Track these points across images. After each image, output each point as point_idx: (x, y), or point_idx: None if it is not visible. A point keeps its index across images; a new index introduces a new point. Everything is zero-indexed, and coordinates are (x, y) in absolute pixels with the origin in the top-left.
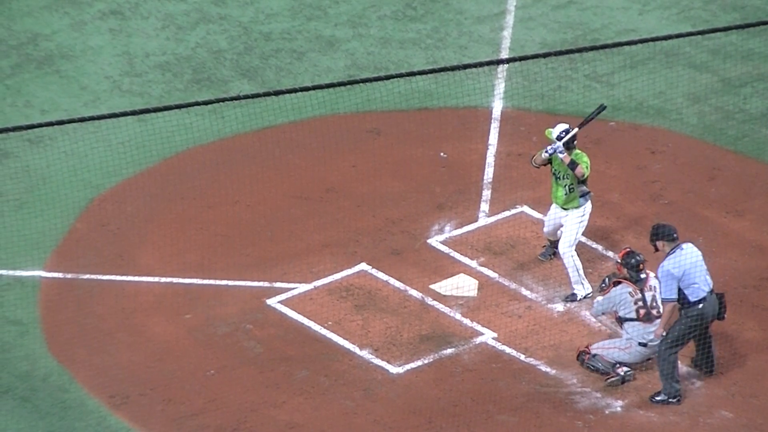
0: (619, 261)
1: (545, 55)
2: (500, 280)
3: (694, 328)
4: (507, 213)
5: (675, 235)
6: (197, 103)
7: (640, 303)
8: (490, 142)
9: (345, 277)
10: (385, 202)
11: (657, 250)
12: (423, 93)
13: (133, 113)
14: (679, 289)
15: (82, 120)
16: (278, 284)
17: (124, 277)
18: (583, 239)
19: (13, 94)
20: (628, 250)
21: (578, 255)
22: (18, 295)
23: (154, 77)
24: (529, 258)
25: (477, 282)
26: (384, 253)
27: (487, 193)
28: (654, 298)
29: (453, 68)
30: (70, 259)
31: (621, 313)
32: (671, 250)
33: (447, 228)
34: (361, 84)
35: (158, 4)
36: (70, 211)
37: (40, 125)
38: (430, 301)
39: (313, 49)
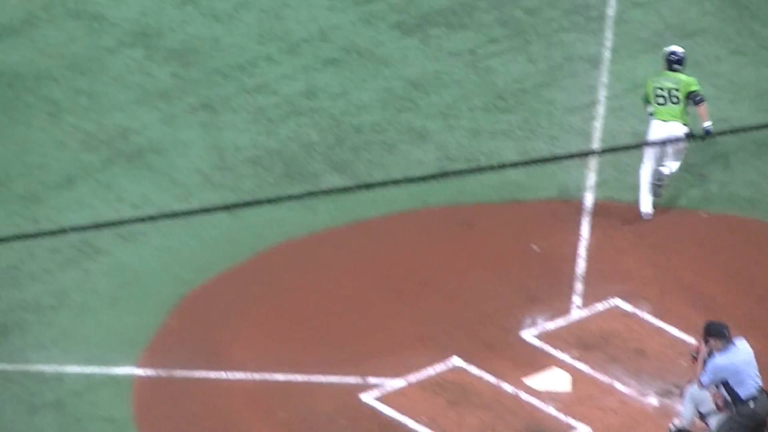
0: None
1: (637, 146)
2: (594, 374)
3: (745, 428)
4: (599, 306)
5: (727, 333)
6: (289, 197)
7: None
8: (581, 234)
9: (438, 372)
10: (477, 295)
11: (709, 348)
12: (514, 185)
13: (225, 207)
14: (729, 386)
15: (173, 215)
16: (372, 379)
17: (217, 374)
18: (672, 330)
19: (104, 189)
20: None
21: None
22: (112, 392)
23: (245, 171)
24: (622, 351)
25: (570, 376)
26: (477, 347)
27: (579, 286)
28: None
29: (544, 160)
30: (163, 356)
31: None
32: (724, 347)
33: (539, 321)
34: (452, 176)
35: (249, 98)
36: (162, 306)
37: (131, 221)
38: (524, 395)
39: (404, 141)
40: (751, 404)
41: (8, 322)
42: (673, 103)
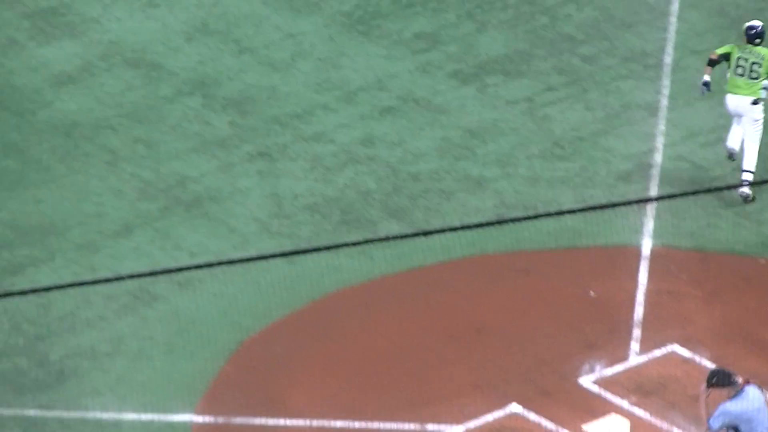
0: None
1: (694, 193)
2: (652, 420)
3: None
4: (657, 352)
5: (735, 379)
6: (346, 244)
7: None
8: (639, 280)
9: (497, 419)
10: (535, 341)
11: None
12: (572, 231)
13: (282, 255)
14: None
15: (231, 262)
16: (430, 426)
17: (275, 420)
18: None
19: (162, 238)
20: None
21: None
22: None
23: (302, 218)
24: (680, 397)
25: (629, 422)
26: (535, 394)
27: (637, 332)
28: None
29: (602, 206)
30: (221, 403)
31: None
32: (736, 393)
33: (597, 367)
34: (510, 223)
35: (306, 146)
36: (219, 353)
37: (189, 267)
38: None
39: (461, 188)
40: None
41: (65, 369)
42: (752, 78)
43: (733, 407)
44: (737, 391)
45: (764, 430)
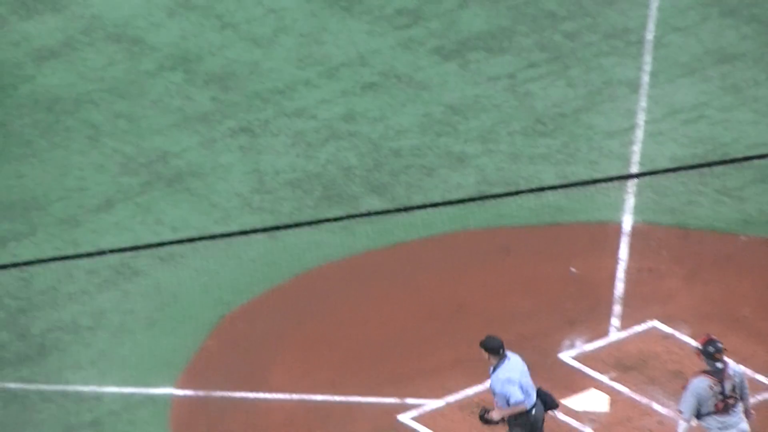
0: (700, 348)
1: (675, 170)
2: (632, 395)
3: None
4: (638, 328)
5: (501, 347)
6: (327, 220)
7: (719, 396)
8: (620, 257)
9: (477, 393)
10: (515, 318)
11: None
12: (553, 208)
13: (264, 230)
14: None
15: (212, 237)
16: (409, 400)
17: (255, 395)
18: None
19: (143, 212)
20: (708, 337)
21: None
22: (150, 413)
23: (284, 194)
24: (660, 373)
25: (608, 397)
26: None
27: (617, 308)
28: (733, 387)
29: (583, 183)
30: (202, 377)
31: (701, 409)
32: (498, 362)
33: (578, 343)
34: (491, 199)
35: (288, 122)
36: (201, 328)
37: (170, 242)
38: (561, 416)
39: (443, 164)
40: (533, 411)
41: (46, 343)
42: None
43: (502, 374)
44: (500, 359)
45: (531, 391)
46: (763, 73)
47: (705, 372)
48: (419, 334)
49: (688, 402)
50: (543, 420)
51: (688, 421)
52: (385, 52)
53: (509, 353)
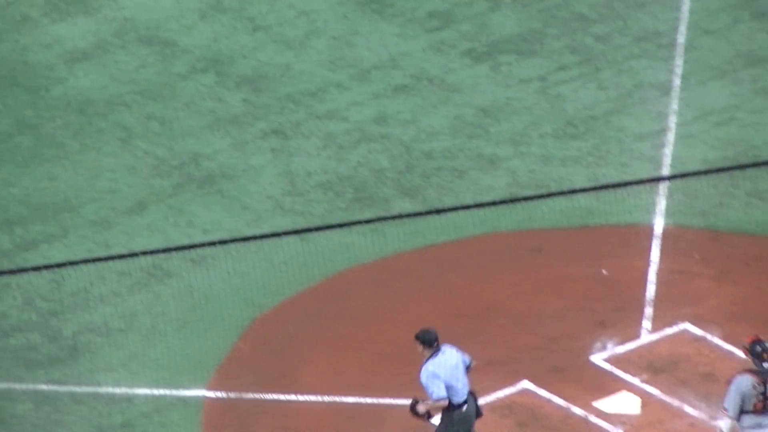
0: (747, 347)
1: (706, 172)
2: (663, 398)
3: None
4: (669, 330)
5: (435, 340)
6: (359, 222)
7: (761, 396)
8: (651, 259)
9: (508, 395)
10: (545, 319)
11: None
12: (584, 210)
13: (295, 232)
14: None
15: (244, 239)
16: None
17: (286, 396)
18: (741, 354)
19: (175, 214)
20: (755, 337)
21: None
22: (181, 414)
23: (315, 196)
24: (691, 375)
25: (640, 399)
26: (546, 371)
27: (648, 311)
28: None
29: (614, 185)
30: (233, 378)
31: (741, 407)
32: (431, 354)
33: (609, 345)
34: (522, 202)
35: (319, 124)
36: (232, 330)
37: (202, 245)
38: (592, 418)
39: (474, 167)
40: (464, 408)
41: (77, 345)
42: None
43: (432, 367)
44: (433, 352)
45: (462, 387)
46: None
47: (749, 371)
48: (450, 335)
49: (732, 398)
50: (475, 419)
51: (733, 418)
52: (417, 55)
53: (445, 347)
